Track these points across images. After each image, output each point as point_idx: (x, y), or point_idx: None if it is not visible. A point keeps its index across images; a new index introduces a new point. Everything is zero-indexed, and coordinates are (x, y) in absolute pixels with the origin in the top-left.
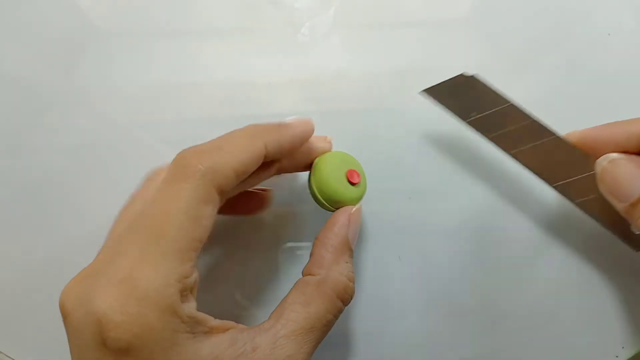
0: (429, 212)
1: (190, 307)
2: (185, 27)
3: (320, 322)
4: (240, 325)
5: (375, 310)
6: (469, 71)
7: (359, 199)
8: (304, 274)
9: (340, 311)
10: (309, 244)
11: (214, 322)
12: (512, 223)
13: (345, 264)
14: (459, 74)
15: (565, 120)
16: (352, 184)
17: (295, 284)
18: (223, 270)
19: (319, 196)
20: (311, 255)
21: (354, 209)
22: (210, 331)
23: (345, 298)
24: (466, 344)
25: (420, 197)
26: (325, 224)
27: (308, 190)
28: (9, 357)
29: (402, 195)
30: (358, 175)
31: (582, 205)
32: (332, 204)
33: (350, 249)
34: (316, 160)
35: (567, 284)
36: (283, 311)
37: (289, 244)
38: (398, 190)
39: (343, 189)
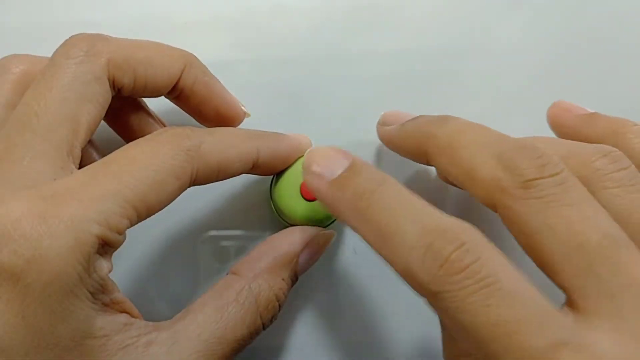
0: None
1: (105, 267)
2: None
3: (232, 335)
4: (138, 314)
5: (364, 316)
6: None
7: (317, 220)
8: (230, 271)
9: (257, 330)
10: None
11: (117, 295)
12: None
13: (281, 280)
14: None
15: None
16: (308, 200)
17: (216, 283)
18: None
19: (274, 210)
20: (249, 253)
21: (331, 238)
22: (109, 305)
23: (265, 316)
24: None
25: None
26: (286, 230)
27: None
28: None
29: None
30: None
31: None
32: (288, 221)
33: (296, 271)
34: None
35: None
36: (191, 310)
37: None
38: None
39: (294, 205)
